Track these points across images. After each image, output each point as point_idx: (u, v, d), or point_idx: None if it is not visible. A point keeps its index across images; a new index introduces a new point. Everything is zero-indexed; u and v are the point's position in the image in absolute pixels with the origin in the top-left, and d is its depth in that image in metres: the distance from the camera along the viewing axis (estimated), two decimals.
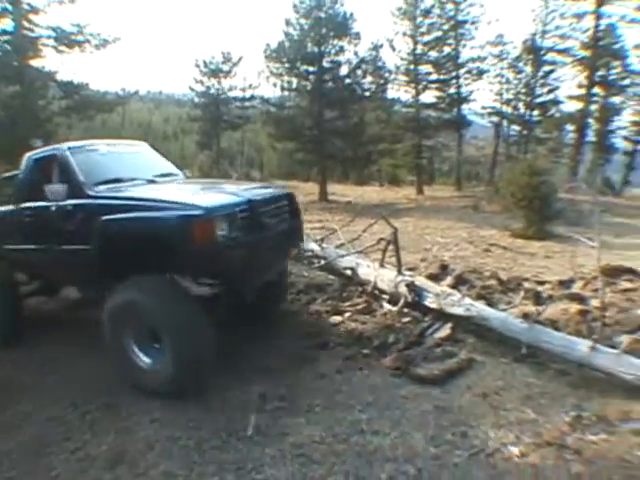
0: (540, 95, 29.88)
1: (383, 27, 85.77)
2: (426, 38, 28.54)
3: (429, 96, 29.94)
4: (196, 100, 37.96)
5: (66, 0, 20.82)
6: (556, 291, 6.47)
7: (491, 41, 29.75)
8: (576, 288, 6.59)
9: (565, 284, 6.81)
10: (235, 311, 5.59)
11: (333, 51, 25.83)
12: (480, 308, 5.33)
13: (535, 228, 12.98)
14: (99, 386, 4.54)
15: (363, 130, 29.02)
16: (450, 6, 28.31)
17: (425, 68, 29.16)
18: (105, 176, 5.21)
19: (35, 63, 20.95)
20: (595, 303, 5.57)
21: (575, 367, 4.39)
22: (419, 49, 28.46)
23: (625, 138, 32.00)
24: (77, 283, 5.73)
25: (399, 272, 6.32)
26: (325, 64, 25.71)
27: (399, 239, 6.63)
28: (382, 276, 6.41)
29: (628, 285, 6.69)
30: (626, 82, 29.52)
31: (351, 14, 25.80)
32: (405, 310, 5.81)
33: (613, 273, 7.07)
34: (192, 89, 37.20)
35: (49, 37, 20.95)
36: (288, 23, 25.92)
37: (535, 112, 30.39)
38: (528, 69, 29.95)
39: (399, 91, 30.15)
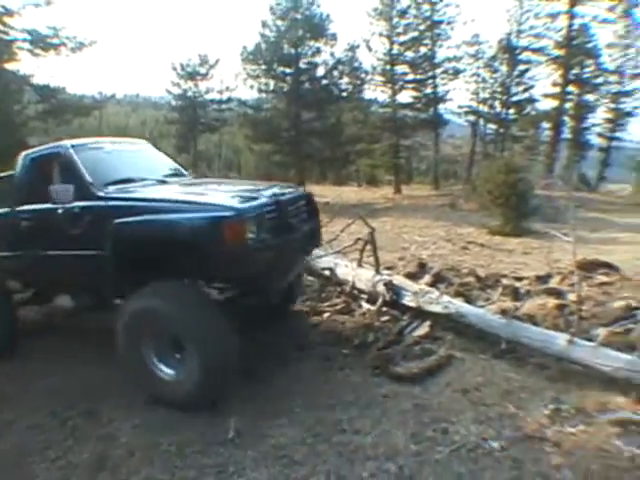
0: (516, 94, 30.22)
1: (359, 28, 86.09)
2: (402, 38, 28.74)
3: (406, 96, 30.22)
4: (173, 103, 37.87)
5: (42, 2, 20.63)
6: (534, 286, 6.52)
7: (467, 41, 30.08)
8: (553, 283, 6.66)
9: (542, 279, 6.88)
10: (254, 313, 5.37)
11: (310, 52, 25.96)
12: (458, 305, 5.35)
13: (512, 225, 13.12)
14: (81, 393, 4.46)
15: (340, 131, 29.11)
16: (426, 6, 28.52)
17: (402, 68, 29.35)
18: (114, 176, 4.89)
19: (10, 67, 20.76)
20: (572, 297, 5.62)
21: (554, 361, 4.43)
22: (395, 49, 28.64)
23: (600, 135, 32.64)
24: (79, 290, 5.33)
25: (377, 271, 6.32)
26: (302, 65, 25.81)
27: (377, 239, 6.65)
28: (360, 276, 6.41)
29: (604, 279, 6.78)
30: (599, 80, 30.16)
31: (327, 15, 25.99)
32: (384, 309, 5.80)
33: (589, 267, 7.17)
34: (169, 92, 37.19)
35: (24, 40, 20.77)
36: (265, 25, 25.98)
37: (511, 110, 30.73)
38: (504, 68, 30.27)
39: (376, 91, 30.39)
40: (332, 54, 26.57)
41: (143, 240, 4.15)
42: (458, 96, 49.58)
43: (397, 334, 5.28)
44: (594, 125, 32.45)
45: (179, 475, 3.29)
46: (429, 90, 29.68)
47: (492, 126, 32.56)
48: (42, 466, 3.56)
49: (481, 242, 11.54)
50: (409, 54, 29.04)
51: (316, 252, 7.38)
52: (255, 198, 4.40)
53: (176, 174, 5.82)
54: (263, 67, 26.31)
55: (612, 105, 31.90)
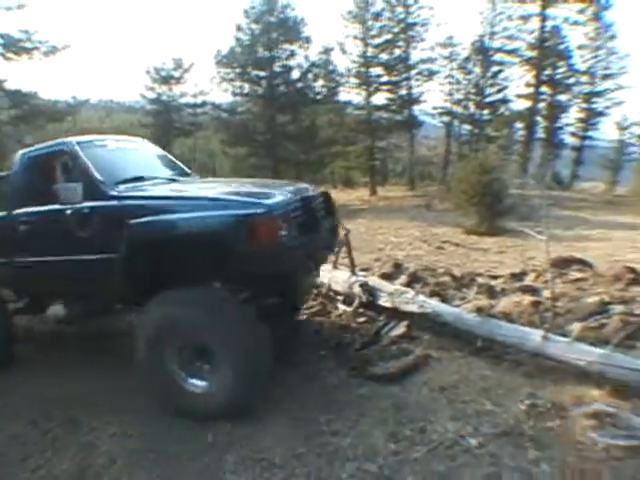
0: (490, 95, 30.63)
1: (334, 30, 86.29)
2: (377, 41, 28.95)
3: (380, 98, 30.45)
4: (147, 107, 37.46)
5: (13, 6, 20.29)
6: (509, 284, 6.59)
7: (441, 43, 30.47)
8: (528, 280, 6.74)
9: (517, 277, 6.96)
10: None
11: (284, 55, 26.01)
12: (434, 304, 5.36)
13: (487, 224, 13.26)
14: (61, 402, 4.37)
15: (315, 133, 29.17)
16: (400, 9, 28.79)
17: (376, 70, 29.57)
18: (124, 174, 4.58)
19: None
20: (546, 294, 5.68)
21: (529, 357, 4.45)
22: (370, 52, 28.84)
23: (572, 134, 33.24)
24: (78, 298, 4.95)
25: (353, 273, 6.31)
26: (276, 69, 25.84)
27: (352, 240, 6.64)
28: (336, 277, 6.40)
29: (578, 275, 6.88)
30: (571, 81, 30.71)
31: (302, 19, 26.05)
32: (360, 310, 5.81)
33: (564, 264, 7.27)
34: (143, 96, 36.80)
35: None
36: (239, 28, 25.95)
37: (485, 111, 31.13)
38: (477, 69, 30.65)
39: (350, 94, 30.60)
40: (306, 57, 26.71)
41: (163, 241, 3.93)
42: (432, 97, 49.98)
43: (374, 335, 5.28)
44: (567, 125, 33.17)
45: None
46: (404, 92, 29.96)
47: (466, 127, 32.96)
48: (22, 477, 3.47)
49: (456, 241, 11.64)
50: (383, 56, 29.27)
51: None
52: (280, 194, 4.17)
53: (182, 173, 5.58)
54: (237, 70, 26.29)
55: (584, 105, 32.57)
